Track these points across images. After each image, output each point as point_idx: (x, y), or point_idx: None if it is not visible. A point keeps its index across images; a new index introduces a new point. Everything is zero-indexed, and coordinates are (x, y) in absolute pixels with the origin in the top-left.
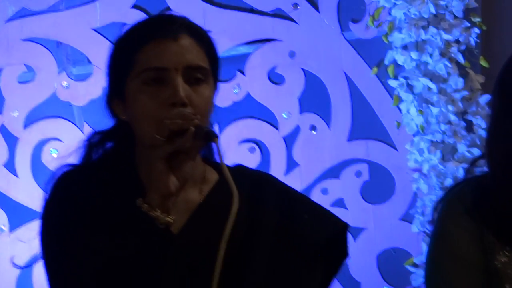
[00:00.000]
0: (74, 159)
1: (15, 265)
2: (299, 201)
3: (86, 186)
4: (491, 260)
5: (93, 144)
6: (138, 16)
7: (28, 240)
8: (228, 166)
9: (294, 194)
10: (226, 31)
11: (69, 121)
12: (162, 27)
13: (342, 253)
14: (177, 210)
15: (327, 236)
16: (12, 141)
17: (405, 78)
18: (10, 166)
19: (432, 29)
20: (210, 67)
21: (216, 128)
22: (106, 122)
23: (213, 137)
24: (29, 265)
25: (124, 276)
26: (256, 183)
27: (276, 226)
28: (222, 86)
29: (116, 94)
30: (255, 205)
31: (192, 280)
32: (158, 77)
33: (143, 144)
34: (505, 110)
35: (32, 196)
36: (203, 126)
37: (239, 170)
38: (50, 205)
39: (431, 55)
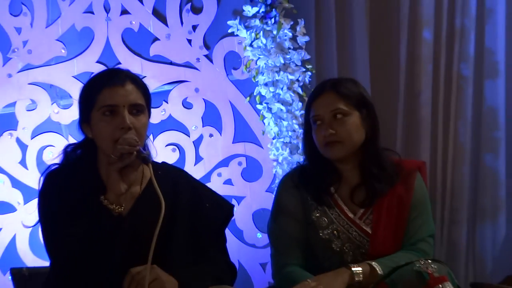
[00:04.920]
0: (58, 160)
1: (25, 226)
2: (203, 192)
3: (63, 180)
4: (309, 215)
5: (68, 152)
6: (100, 67)
7: (33, 210)
8: (157, 163)
9: (199, 187)
10: (156, 76)
11: (59, 134)
12: (113, 77)
13: (230, 215)
14: (126, 199)
15: (222, 219)
16: (23, 147)
17: (267, 103)
18: (23, 163)
19: (282, 73)
20: (145, 103)
21: (150, 137)
22: (81, 136)
23: (147, 162)
24: (35, 225)
25: (88, 245)
26: (175, 179)
27: (189, 212)
28: (154, 111)
29: (84, 120)
30: (174, 197)
31: (136, 246)
32: (112, 110)
33: (103, 153)
34: (307, 123)
35: (37, 182)
36: (142, 151)
37: (163, 166)
38: (42, 190)
39: (282, 89)
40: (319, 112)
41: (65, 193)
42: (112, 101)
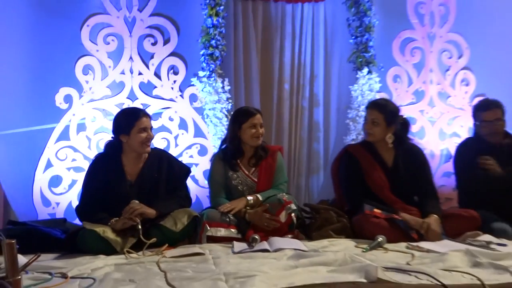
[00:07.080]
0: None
1: None
2: (174, 162)
3: (101, 162)
4: (227, 173)
5: (107, 145)
6: (128, 101)
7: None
8: (152, 148)
9: (173, 159)
10: (156, 105)
11: (108, 133)
12: (140, 112)
13: (189, 172)
14: (134, 165)
15: (184, 173)
16: (89, 140)
17: (210, 119)
18: (89, 147)
19: (217, 104)
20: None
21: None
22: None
23: (138, 230)
24: None
25: (111, 197)
26: (160, 156)
27: (166, 172)
28: (154, 122)
29: (124, 133)
30: (160, 165)
31: (139, 197)
32: (143, 129)
33: (130, 149)
34: (238, 128)
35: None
36: (138, 227)
37: (154, 148)
38: (91, 165)
39: (217, 112)
40: (255, 122)
41: (102, 167)
42: (144, 125)
